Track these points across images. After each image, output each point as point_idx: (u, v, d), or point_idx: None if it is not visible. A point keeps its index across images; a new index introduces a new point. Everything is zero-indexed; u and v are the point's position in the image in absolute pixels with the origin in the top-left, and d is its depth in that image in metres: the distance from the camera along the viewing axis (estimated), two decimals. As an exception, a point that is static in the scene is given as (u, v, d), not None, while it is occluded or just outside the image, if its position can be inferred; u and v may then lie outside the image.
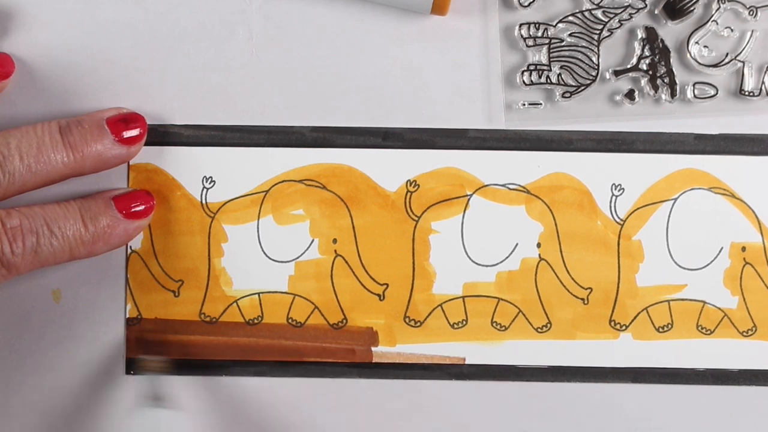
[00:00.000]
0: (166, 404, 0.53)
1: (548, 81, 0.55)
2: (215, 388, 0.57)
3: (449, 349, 0.57)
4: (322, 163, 0.56)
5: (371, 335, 0.57)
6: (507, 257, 0.56)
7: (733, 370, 0.56)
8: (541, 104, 0.56)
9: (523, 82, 0.56)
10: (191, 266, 0.56)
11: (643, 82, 0.55)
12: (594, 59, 0.55)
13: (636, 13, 0.55)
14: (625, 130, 0.56)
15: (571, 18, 0.55)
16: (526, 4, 0.55)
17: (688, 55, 0.55)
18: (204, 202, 0.56)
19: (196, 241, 0.56)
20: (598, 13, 0.55)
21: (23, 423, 0.56)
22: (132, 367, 0.56)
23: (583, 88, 0.55)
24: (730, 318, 0.56)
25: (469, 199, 0.56)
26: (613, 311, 0.56)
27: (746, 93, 0.55)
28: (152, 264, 0.56)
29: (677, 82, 0.55)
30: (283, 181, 0.56)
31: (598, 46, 0.55)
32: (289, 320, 0.57)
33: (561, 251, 0.56)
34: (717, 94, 0.55)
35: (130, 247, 0.56)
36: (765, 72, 0.55)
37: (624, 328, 0.56)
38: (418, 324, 0.57)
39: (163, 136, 0.56)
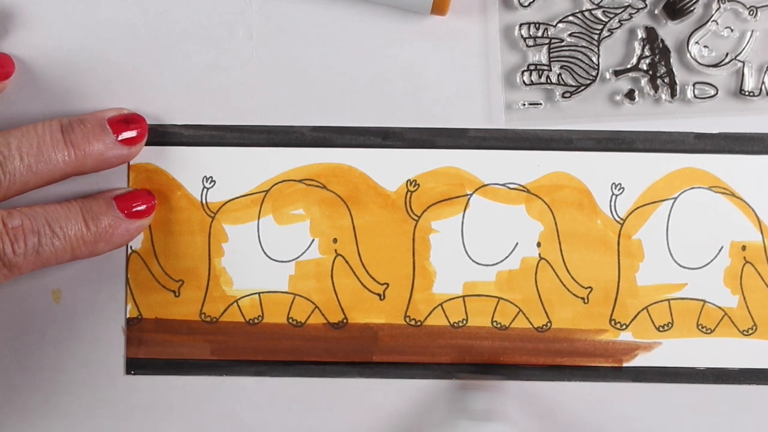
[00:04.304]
0: (496, 417, 0.54)
1: (548, 81, 0.55)
2: (215, 388, 0.57)
3: (450, 348, 0.57)
4: (322, 162, 0.56)
5: (371, 335, 0.57)
6: (507, 257, 0.56)
7: (733, 369, 0.56)
8: (541, 104, 0.56)
9: (523, 82, 0.56)
10: (191, 266, 0.56)
11: (643, 82, 0.55)
12: (594, 59, 0.55)
13: (636, 13, 0.55)
14: (625, 130, 0.56)
15: (571, 18, 0.55)
16: (526, 4, 0.55)
17: (688, 55, 0.55)
18: (204, 202, 0.56)
19: (196, 241, 0.56)
20: (598, 13, 0.55)
21: (24, 423, 0.56)
22: (132, 367, 0.56)
23: (583, 88, 0.55)
24: (731, 317, 0.56)
25: (469, 199, 0.56)
26: (613, 310, 0.56)
27: (746, 93, 0.55)
28: (152, 264, 0.56)
29: (677, 82, 0.55)
30: (283, 181, 0.56)
31: (598, 46, 0.55)
32: (290, 320, 0.57)
33: (561, 250, 0.56)
34: (717, 94, 0.55)
35: (131, 247, 0.56)
36: (765, 72, 0.55)
37: (624, 327, 0.56)
38: (419, 323, 0.57)
39: (163, 136, 0.56)
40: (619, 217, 0.56)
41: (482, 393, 0.55)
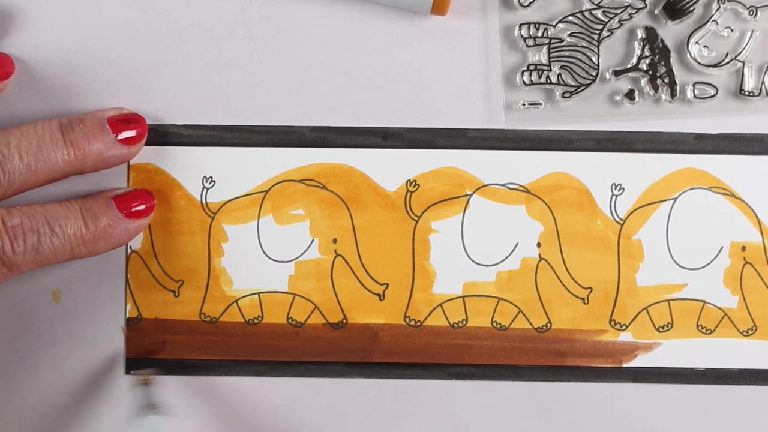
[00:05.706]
0: (156, 410, 0.54)
1: (548, 81, 0.55)
2: (215, 388, 0.57)
3: (450, 348, 0.57)
4: (322, 163, 0.56)
5: (371, 335, 0.57)
6: (507, 257, 0.56)
7: (733, 370, 0.56)
8: (541, 104, 0.56)
9: (523, 82, 0.56)
10: (191, 266, 0.56)
11: (643, 82, 0.55)
12: (594, 59, 0.55)
13: (636, 13, 0.55)
14: (625, 130, 0.56)
15: (571, 18, 0.55)
16: (526, 4, 0.55)
17: (688, 55, 0.55)
18: (204, 202, 0.56)
19: (196, 241, 0.56)
20: (598, 13, 0.55)
21: (23, 423, 0.56)
22: (132, 367, 0.56)
23: (583, 88, 0.55)
24: (730, 317, 0.56)
25: (469, 199, 0.56)
26: (613, 311, 0.56)
27: (746, 93, 0.55)
28: (152, 264, 0.56)
29: (677, 82, 0.55)
30: (283, 181, 0.56)
31: (598, 46, 0.55)
32: (289, 320, 0.57)
33: (561, 251, 0.56)
34: (717, 94, 0.55)
35: (130, 247, 0.56)
36: (765, 72, 0.55)
37: (624, 327, 0.56)
38: (418, 324, 0.57)
39: (163, 136, 0.56)
40: (619, 217, 0.56)
41: (144, 388, 0.55)
